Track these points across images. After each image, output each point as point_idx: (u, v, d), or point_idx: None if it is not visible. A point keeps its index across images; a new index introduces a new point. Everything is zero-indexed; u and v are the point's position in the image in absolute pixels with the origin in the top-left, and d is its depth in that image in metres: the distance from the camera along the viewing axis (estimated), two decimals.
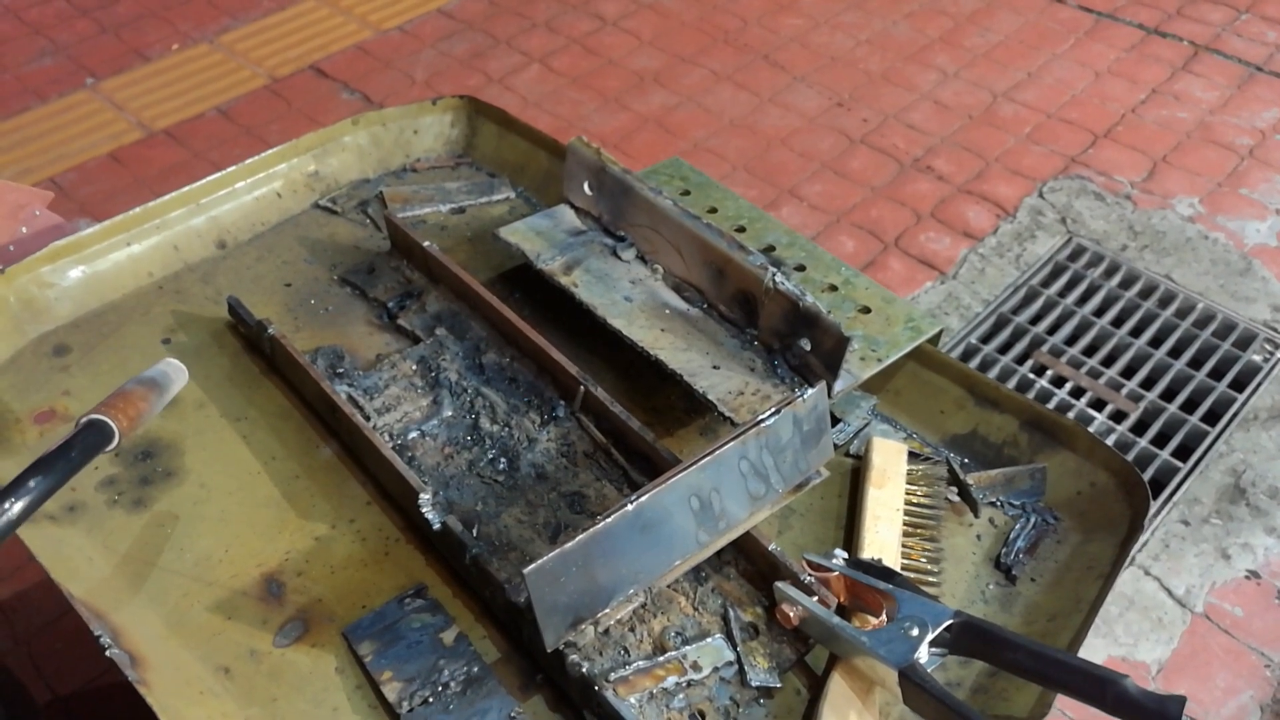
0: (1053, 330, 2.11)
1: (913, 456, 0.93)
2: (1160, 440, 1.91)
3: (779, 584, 0.79)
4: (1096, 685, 0.66)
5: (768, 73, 2.74)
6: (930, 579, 0.85)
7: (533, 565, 0.69)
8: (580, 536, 0.71)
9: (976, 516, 0.91)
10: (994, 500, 0.92)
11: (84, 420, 0.73)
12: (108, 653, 0.74)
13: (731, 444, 0.78)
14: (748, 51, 2.81)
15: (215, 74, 2.67)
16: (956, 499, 0.92)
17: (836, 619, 0.75)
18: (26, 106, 2.55)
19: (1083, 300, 2.17)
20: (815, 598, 0.77)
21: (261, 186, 1.17)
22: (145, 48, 2.76)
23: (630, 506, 0.73)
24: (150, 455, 0.93)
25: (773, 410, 0.79)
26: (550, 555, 0.70)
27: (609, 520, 0.72)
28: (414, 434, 0.93)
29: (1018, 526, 0.90)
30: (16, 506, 0.66)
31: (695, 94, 2.65)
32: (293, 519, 0.89)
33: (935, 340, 0.99)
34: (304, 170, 1.19)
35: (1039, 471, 0.92)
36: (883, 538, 0.85)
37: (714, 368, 0.93)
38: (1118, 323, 2.13)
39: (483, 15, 2.91)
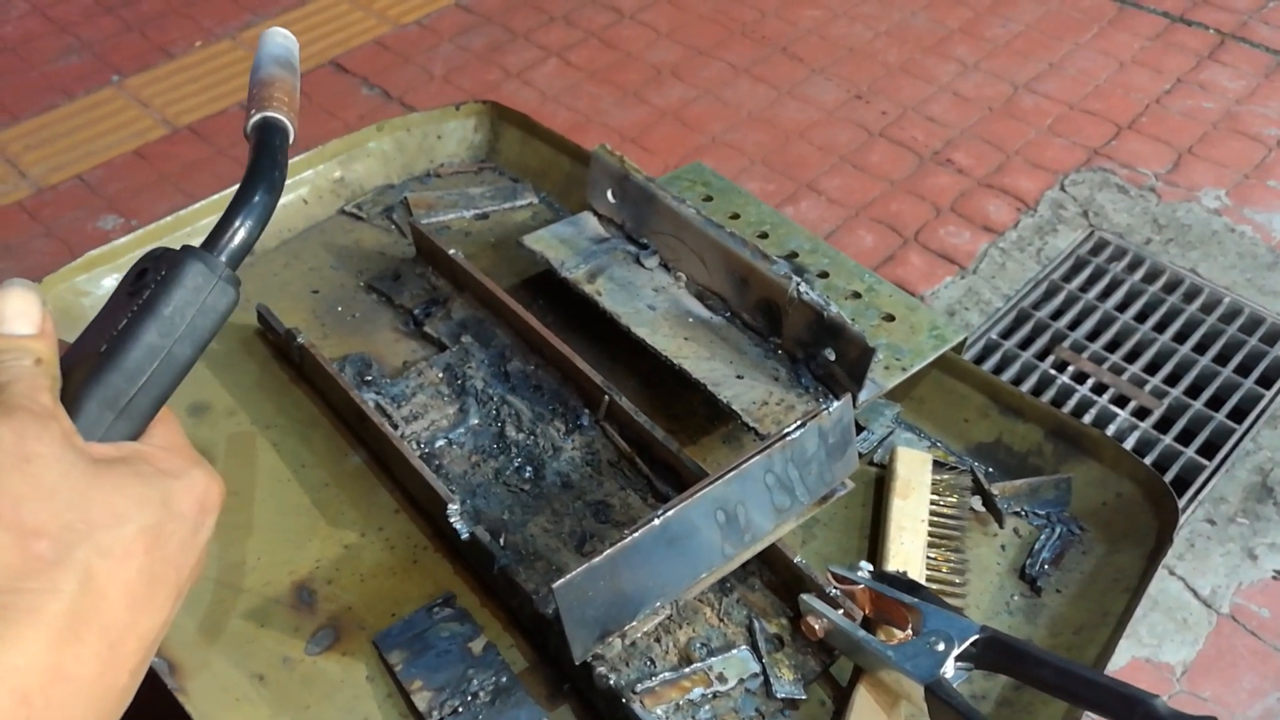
0: (1074, 325, 2.10)
1: (937, 466, 0.94)
2: (1185, 438, 1.90)
3: (804, 596, 0.79)
4: (1125, 704, 0.67)
5: (786, 65, 2.72)
6: (955, 590, 0.85)
7: (561, 580, 0.70)
8: (607, 550, 0.72)
9: (1001, 527, 0.91)
10: (1019, 510, 0.92)
11: (257, 120, 0.64)
12: None
13: (757, 458, 0.78)
14: (765, 44, 2.80)
15: (238, 70, 2.68)
16: (981, 509, 0.92)
17: (861, 632, 0.76)
18: (53, 104, 2.57)
19: (1105, 295, 2.15)
20: (840, 610, 0.78)
21: (288, 193, 1.18)
22: (169, 44, 2.77)
23: (657, 521, 0.74)
24: None
25: (798, 424, 0.80)
26: (578, 570, 0.71)
27: (636, 534, 0.73)
28: (441, 442, 0.94)
29: (1043, 537, 0.90)
30: (247, 224, 0.58)
31: (713, 87, 2.65)
32: (322, 527, 0.90)
33: (959, 348, 0.99)
34: (330, 176, 1.20)
35: (1064, 481, 0.92)
36: (907, 549, 0.86)
37: (738, 377, 0.93)
38: (1141, 318, 2.11)
39: (500, 9, 2.91)
